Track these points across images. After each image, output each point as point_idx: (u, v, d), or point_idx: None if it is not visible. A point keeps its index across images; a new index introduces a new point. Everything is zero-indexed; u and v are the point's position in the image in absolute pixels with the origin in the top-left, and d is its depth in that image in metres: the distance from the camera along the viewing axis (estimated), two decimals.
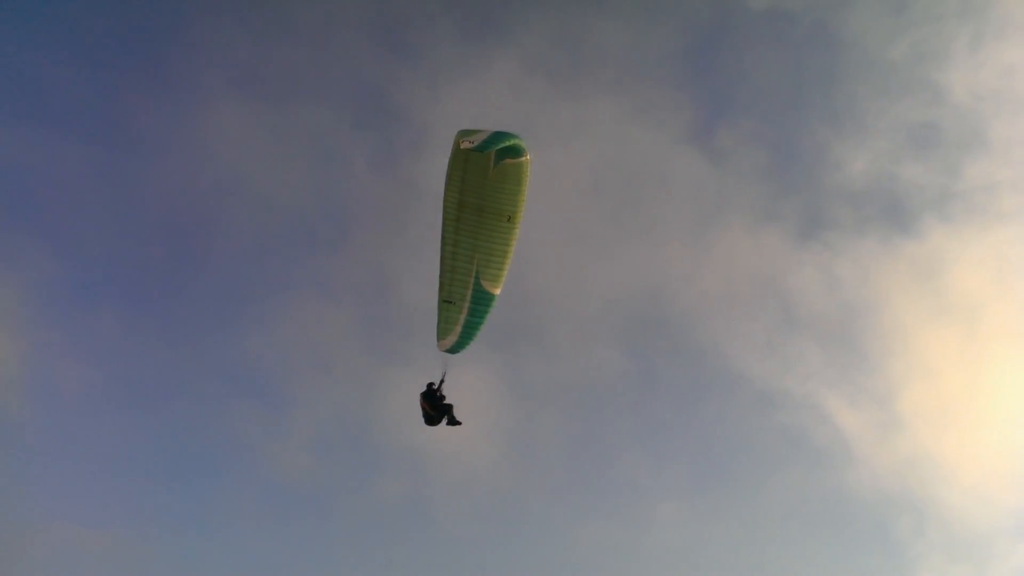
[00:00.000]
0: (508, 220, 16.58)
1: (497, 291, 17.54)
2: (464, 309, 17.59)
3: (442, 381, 18.07)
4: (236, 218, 48.77)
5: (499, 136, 14.95)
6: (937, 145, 44.76)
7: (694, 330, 45.02)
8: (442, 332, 17.96)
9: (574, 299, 47.78)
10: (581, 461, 43.95)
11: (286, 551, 39.89)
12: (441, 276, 17.38)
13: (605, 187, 47.69)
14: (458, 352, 18.18)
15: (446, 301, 17.55)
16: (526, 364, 45.54)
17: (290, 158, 49.76)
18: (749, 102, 46.63)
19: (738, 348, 44.48)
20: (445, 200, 16.50)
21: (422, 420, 18.09)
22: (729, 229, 46.86)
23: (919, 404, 41.54)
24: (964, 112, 43.64)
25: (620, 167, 47.59)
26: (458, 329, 17.81)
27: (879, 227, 45.80)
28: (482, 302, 17.55)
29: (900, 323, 43.41)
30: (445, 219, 16.68)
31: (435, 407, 17.89)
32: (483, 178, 15.99)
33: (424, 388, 18.16)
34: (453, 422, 17.99)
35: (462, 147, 14.72)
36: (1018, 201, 42.49)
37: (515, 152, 15.61)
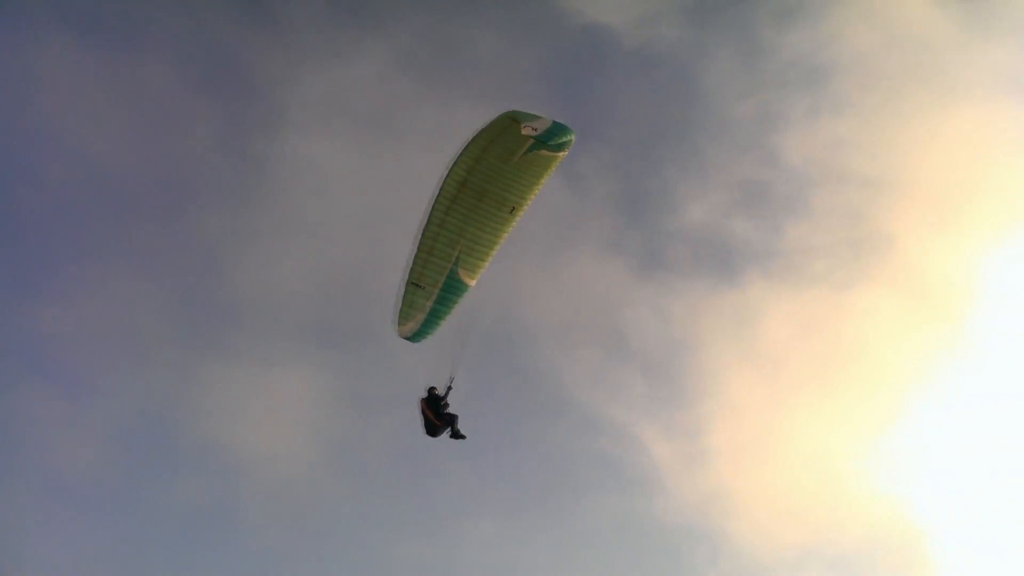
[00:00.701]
0: (511, 211, 15.67)
1: (473, 282, 16.56)
2: (433, 296, 16.44)
3: (449, 388, 16.72)
4: (47, 172, 42.78)
5: (560, 129, 14.30)
6: (766, 204, 49.20)
7: (533, 350, 45.72)
8: (404, 316, 16.71)
9: None
10: (405, 474, 42.79)
11: (68, 555, 35.00)
12: (415, 256, 16.12)
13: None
14: (417, 341, 16.98)
15: (414, 283, 16.29)
16: (361, 367, 43.75)
17: (120, 112, 44.54)
18: (609, 133, 48.47)
19: (572, 372, 45.72)
20: (448, 176, 15.34)
21: (422, 428, 16.69)
22: (580, 254, 48.16)
23: (723, 441, 44.94)
24: (794, 177, 48.35)
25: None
26: (421, 316, 16.67)
27: (710, 273, 49.18)
28: (454, 291, 16.50)
29: (716, 364, 46.82)
30: (439, 196, 15.53)
31: (439, 416, 16.49)
32: (504, 163, 14.94)
33: (425, 393, 16.75)
34: (457, 435, 16.77)
35: (523, 132, 13.76)
36: (827, 265, 47.59)
37: (560, 146, 14.82)
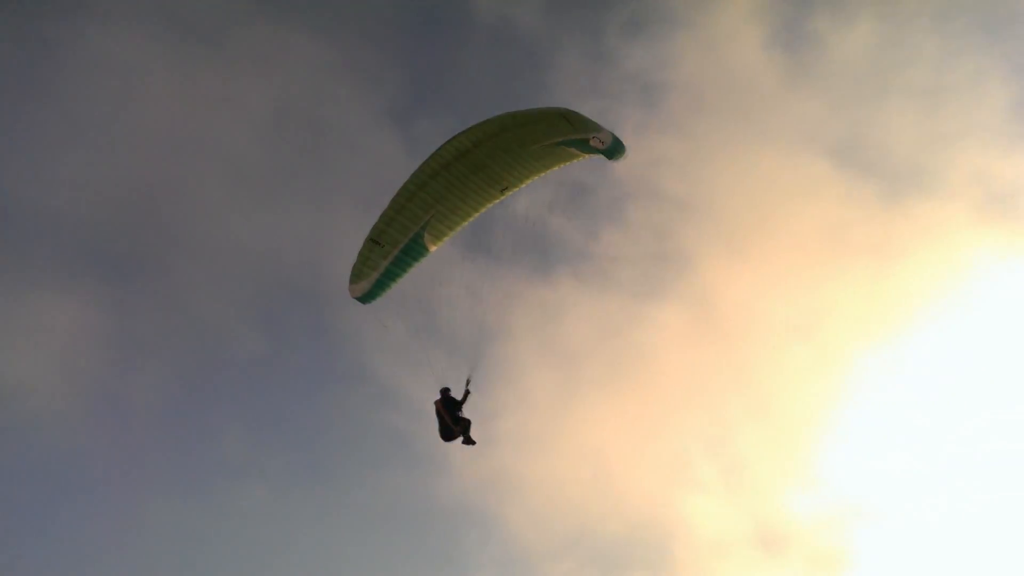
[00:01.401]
0: (501, 191, 15.45)
1: (435, 249, 16.18)
2: (390, 256, 15.88)
3: (467, 392, 16.29)
4: None
5: (620, 146, 14.77)
6: (588, 208, 51.36)
7: (336, 314, 44.25)
8: (356, 274, 16.13)
9: (223, 250, 43.23)
10: (174, 429, 39.62)
11: None
12: (383, 214, 15.60)
13: (289, 131, 44.03)
14: (367, 302, 16.40)
15: (373, 240, 15.72)
16: (139, 307, 39.67)
17: None
18: (453, 99, 47.80)
19: (374, 341, 44.95)
20: (448, 144, 14.99)
21: (437, 431, 16.14)
22: None
23: (513, 428, 46.60)
24: (616, 186, 50.95)
25: (307, 113, 44.48)
26: (375, 276, 16.08)
27: (526, 264, 50.57)
28: (413, 254, 16.05)
29: (518, 354, 48.36)
30: (432, 160, 15.12)
31: (455, 420, 15.91)
32: (522, 147, 14.78)
33: (438, 395, 16.21)
34: (468, 441, 16.13)
35: (591, 144, 14.12)
36: (631, 274, 50.65)
37: (597, 151, 14.90)
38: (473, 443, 16.21)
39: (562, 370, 49.05)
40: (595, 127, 14.51)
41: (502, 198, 15.69)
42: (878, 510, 41.56)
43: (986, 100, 42.98)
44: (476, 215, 15.90)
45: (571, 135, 14.64)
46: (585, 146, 14.67)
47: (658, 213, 51.37)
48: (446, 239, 16.13)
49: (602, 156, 14.94)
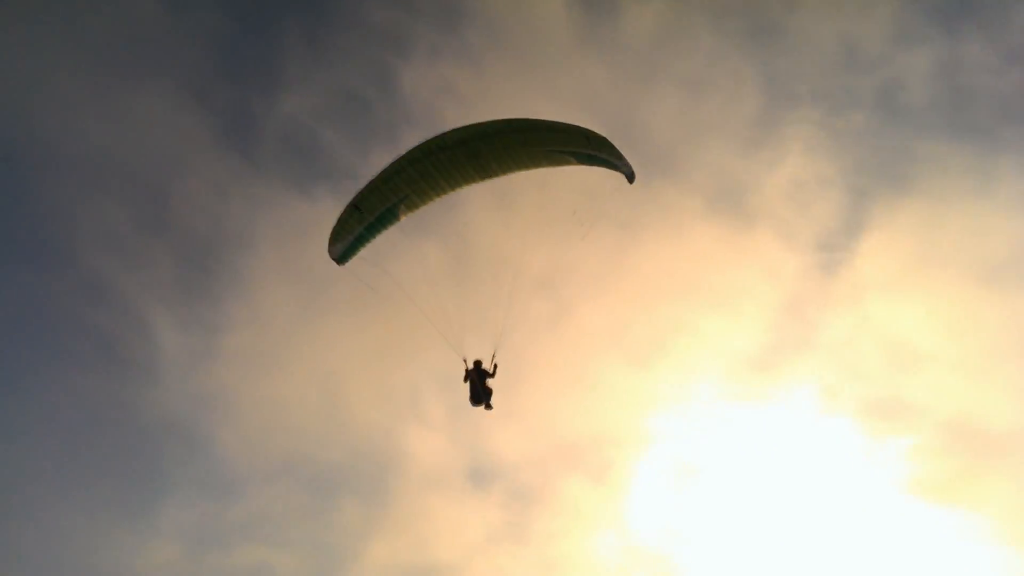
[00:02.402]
0: (484, 177, 16.43)
1: (404, 217, 17.05)
2: (366, 222, 16.88)
3: (495, 366, 18.06)
4: None
5: (633, 176, 16.71)
6: (363, 124, 47.78)
7: (39, 179, 37.64)
8: (335, 236, 17.20)
9: None
10: None
11: None
12: (369, 183, 16.53)
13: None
14: (343, 263, 17.54)
15: (355, 206, 16.66)
16: None
17: None
18: None
19: (93, 226, 39.15)
20: (458, 130, 15.88)
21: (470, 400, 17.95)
22: (169, 99, 40.72)
23: (239, 344, 43.45)
24: (395, 104, 48.11)
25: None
26: (349, 239, 17.12)
27: (288, 175, 46.23)
28: (385, 221, 16.99)
29: (259, 266, 44.75)
30: (432, 141, 15.98)
31: (484, 389, 17.81)
32: (525, 147, 15.91)
33: (471, 365, 17.93)
34: (489, 407, 18.12)
35: (621, 171, 16.35)
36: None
37: (603, 165, 16.49)
38: (491, 408, 18.32)
39: (305, 291, 46.54)
40: (617, 154, 16.25)
41: (481, 182, 16.66)
42: (580, 454, 46.21)
43: (738, 102, 48.05)
44: (451, 193, 16.86)
45: (585, 150, 16.12)
46: (594, 160, 16.26)
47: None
48: (417, 210, 16.98)
49: (600, 167, 16.69)
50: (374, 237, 16.98)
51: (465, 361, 18.26)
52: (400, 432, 45.92)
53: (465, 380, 18.21)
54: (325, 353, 46.37)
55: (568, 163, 16.24)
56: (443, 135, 15.76)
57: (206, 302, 43.65)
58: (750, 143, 47.09)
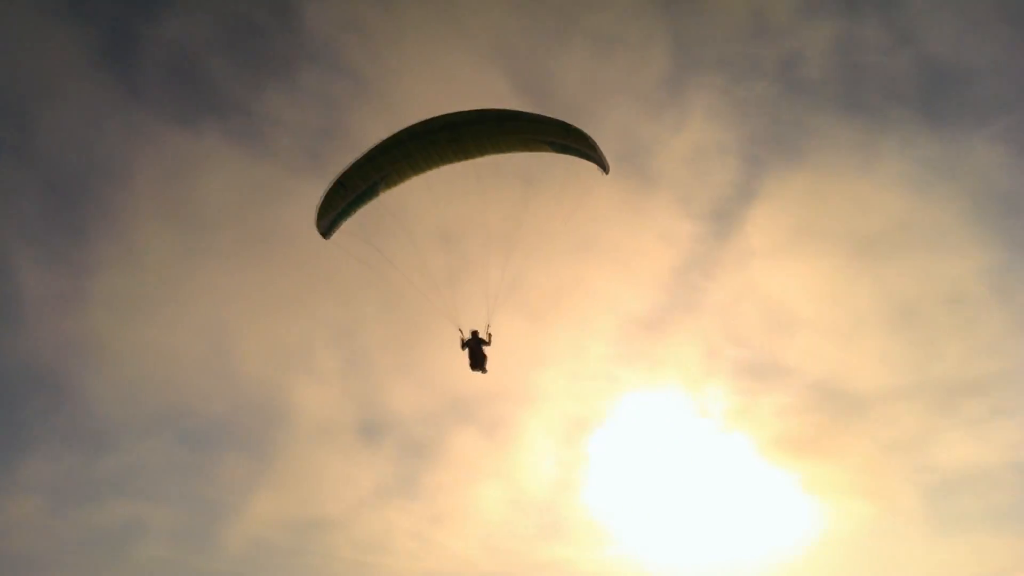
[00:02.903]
0: (462, 158, 17.24)
1: (383, 193, 17.74)
2: (349, 198, 17.64)
3: (490, 335, 19.65)
4: None
5: (607, 168, 18.28)
6: (258, 56, 44.18)
7: None
8: (322, 213, 17.99)
9: None
10: None
11: None
12: (355, 162, 17.30)
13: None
14: (328, 237, 18.46)
15: (341, 183, 17.39)
16: None
17: None
18: None
19: None
20: (444, 116, 16.82)
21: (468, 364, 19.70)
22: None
23: (112, 287, 40.35)
24: (294, 36, 44.61)
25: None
26: (333, 215, 17.93)
27: (171, 107, 42.49)
28: (366, 198, 17.76)
29: (136, 203, 41.29)
30: (418, 125, 16.85)
31: (481, 355, 19.65)
32: (509, 136, 16.93)
33: (468, 335, 19.51)
34: (484, 371, 19.84)
35: (603, 168, 18.05)
36: (289, 145, 45.79)
37: (574, 154, 17.57)
38: (486, 372, 19.94)
39: (188, 232, 43.40)
40: (592, 146, 17.59)
41: (458, 163, 17.54)
42: (472, 409, 46.20)
43: (647, 63, 47.96)
44: (428, 172, 17.67)
45: (562, 140, 17.34)
46: (568, 150, 17.45)
47: (335, 84, 46.91)
48: (395, 187, 17.78)
49: (574, 156, 17.88)
50: (355, 212, 17.77)
51: (461, 331, 19.81)
52: (289, 385, 44.19)
53: (463, 348, 19.83)
54: (210, 299, 43.68)
55: (544, 150, 17.42)
56: (428, 120, 16.87)
57: (75, 239, 40.24)
58: (656, 105, 47.56)
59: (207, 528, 40.29)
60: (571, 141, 17.29)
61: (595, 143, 17.76)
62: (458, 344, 19.77)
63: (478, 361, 19.95)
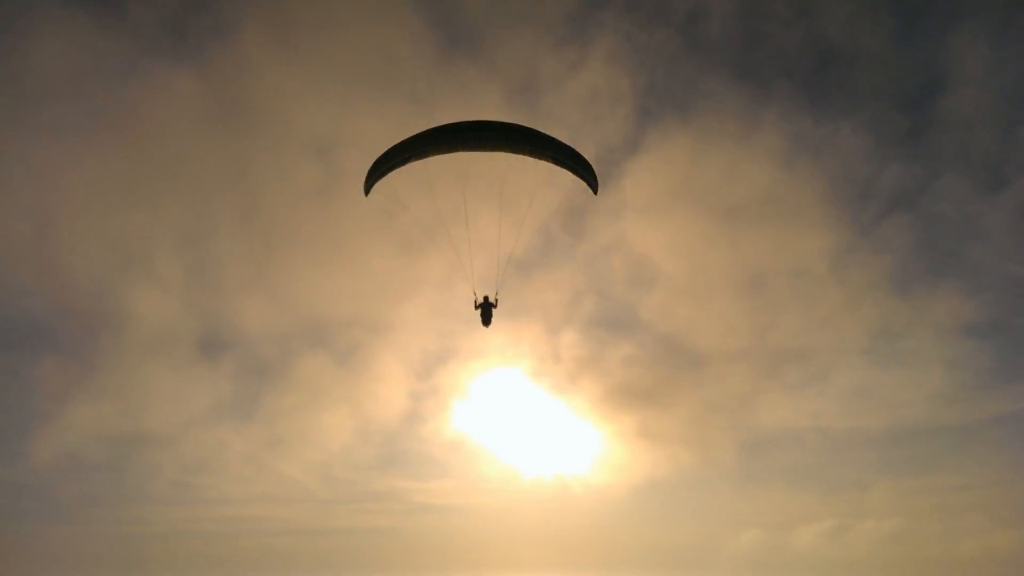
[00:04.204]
0: (479, 150, 22.76)
1: (407, 165, 23.23)
2: (389, 171, 23.41)
3: (497, 300, 24.51)
4: None
5: (597, 188, 23.74)
6: None
7: None
8: (369, 179, 23.30)
9: None
10: None
11: None
12: (403, 142, 22.88)
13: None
14: (368, 194, 23.67)
15: (388, 156, 22.91)
16: None
17: None
18: None
19: None
20: (476, 122, 22.12)
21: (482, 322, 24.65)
22: None
23: None
24: None
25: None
26: (374, 181, 23.44)
27: None
28: (400, 164, 23.26)
29: None
30: (454, 124, 22.06)
31: (489, 314, 24.67)
32: (519, 144, 22.51)
33: (481, 299, 24.58)
34: (487, 326, 24.75)
35: (579, 176, 23.44)
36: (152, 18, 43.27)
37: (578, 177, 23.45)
38: (487, 326, 25.13)
39: (14, 99, 39.95)
40: (591, 171, 23.39)
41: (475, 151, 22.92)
42: (328, 333, 47.28)
43: None
44: (449, 152, 22.84)
45: (566, 159, 22.95)
46: (566, 167, 22.93)
47: None
48: (418, 160, 23.03)
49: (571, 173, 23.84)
50: (389, 174, 23.23)
51: (475, 294, 25.11)
52: (123, 287, 42.97)
53: (476, 308, 24.91)
54: (34, 180, 41.06)
55: (546, 160, 22.85)
56: (464, 123, 21.99)
57: None
58: (559, 40, 49.54)
59: (13, 437, 39.77)
60: (574, 163, 22.87)
61: (593, 169, 23.34)
62: (471, 304, 24.54)
63: (487, 319, 24.96)
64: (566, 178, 24.03)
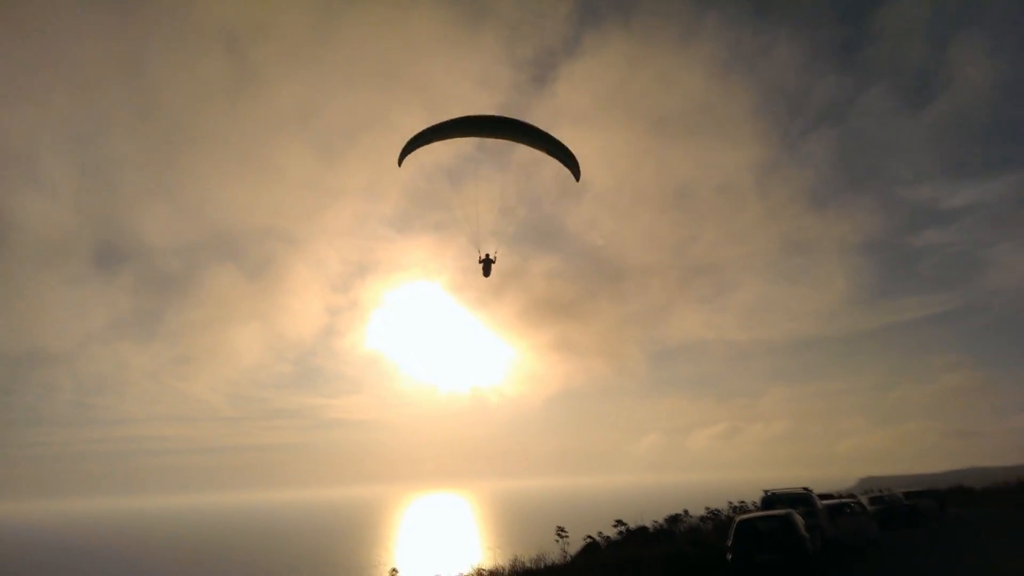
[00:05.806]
0: (491, 137, 28.84)
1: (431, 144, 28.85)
2: (419, 148, 28.64)
3: (496, 255, 29.06)
4: None
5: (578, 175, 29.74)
6: None
7: None
8: (404, 152, 28.69)
9: None
10: None
11: None
12: (434, 127, 28.45)
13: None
14: (400, 165, 29.56)
15: (421, 134, 28.35)
16: None
17: None
18: None
19: None
20: (493, 116, 28.63)
21: (482, 274, 28.95)
22: None
23: None
24: None
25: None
26: (407, 155, 28.92)
27: None
28: (424, 143, 28.56)
29: None
30: (475, 116, 28.46)
31: (489, 269, 28.89)
32: (521, 136, 28.47)
33: (483, 256, 28.83)
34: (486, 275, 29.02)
35: (564, 164, 29.02)
36: None
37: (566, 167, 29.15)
38: (486, 276, 29.40)
39: None
40: (575, 162, 29.21)
41: (486, 138, 28.97)
42: (239, 246, 47.16)
43: None
44: (462, 138, 28.80)
45: (556, 151, 28.57)
46: (556, 156, 29.02)
47: None
48: (441, 141, 28.53)
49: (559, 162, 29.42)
50: (416, 150, 28.50)
51: (479, 251, 29.12)
52: (5, 193, 37.46)
53: (479, 263, 28.95)
54: None
55: (541, 149, 28.55)
56: (481, 115, 28.30)
57: None
58: None
59: None
60: (563, 155, 28.38)
61: (576, 161, 28.89)
62: (475, 260, 28.97)
63: (487, 271, 29.11)
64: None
